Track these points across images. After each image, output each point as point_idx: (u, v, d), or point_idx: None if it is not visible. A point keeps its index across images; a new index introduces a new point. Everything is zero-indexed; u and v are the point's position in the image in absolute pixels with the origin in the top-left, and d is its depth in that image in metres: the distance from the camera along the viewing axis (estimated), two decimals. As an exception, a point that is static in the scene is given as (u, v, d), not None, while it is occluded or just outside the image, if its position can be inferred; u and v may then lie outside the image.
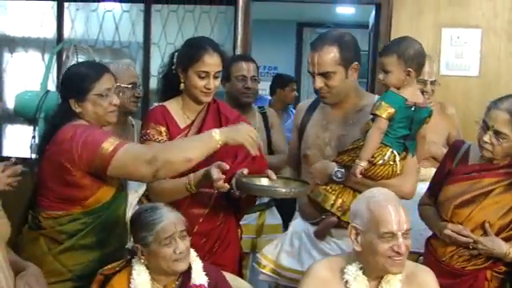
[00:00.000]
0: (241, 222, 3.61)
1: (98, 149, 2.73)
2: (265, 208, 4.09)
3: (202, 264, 2.77)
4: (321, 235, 3.19)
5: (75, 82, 2.93)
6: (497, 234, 2.93)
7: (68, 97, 2.93)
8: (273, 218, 4.25)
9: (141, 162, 2.72)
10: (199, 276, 2.73)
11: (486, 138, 2.93)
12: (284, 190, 3.00)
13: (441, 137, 3.31)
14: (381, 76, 3.04)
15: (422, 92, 3.94)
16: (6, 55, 5.25)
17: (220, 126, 3.17)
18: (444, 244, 3.03)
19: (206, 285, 2.73)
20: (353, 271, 2.63)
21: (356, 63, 3.12)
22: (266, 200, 3.89)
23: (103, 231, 2.94)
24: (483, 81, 4.96)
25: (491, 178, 2.99)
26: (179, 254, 2.63)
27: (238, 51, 5.27)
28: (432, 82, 4.03)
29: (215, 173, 2.89)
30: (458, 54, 5.13)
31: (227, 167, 2.93)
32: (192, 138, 3.02)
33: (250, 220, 3.98)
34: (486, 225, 2.94)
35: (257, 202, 3.72)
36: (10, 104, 4.92)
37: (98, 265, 2.87)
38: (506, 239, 2.91)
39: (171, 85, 3.23)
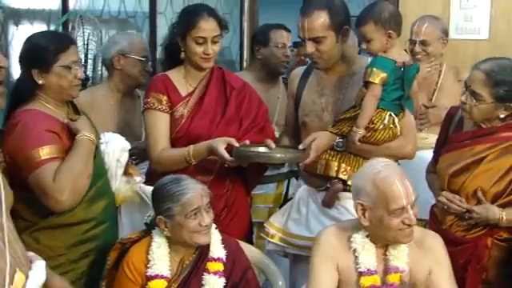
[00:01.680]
0: (259, 192, 3.74)
1: (30, 149, 2.68)
2: (283, 178, 4.10)
3: (221, 237, 2.81)
4: (329, 203, 3.23)
5: (40, 52, 2.81)
6: (492, 202, 2.94)
7: (31, 67, 2.80)
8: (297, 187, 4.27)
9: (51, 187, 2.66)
10: (217, 249, 2.77)
11: (463, 98, 2.96)
12: (279, 156, 3.09)
13: (455, 103, 3.33)
14: (364, 45, 3.09)
15: (412, 52, 4.02)
16: (12, 28, 5.24)
17: (224, 94, 3.26)
18: (444, 212, 3.05)
19: (224, 258, 2.76)
20: (359, 239, 2.67)
21: (346, 27, 3.14)
22: (285, 170, 3.91)
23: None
24: (493, 44, 4.98)
25: (483, 144, 2.99)
26: (204, 226, 2.67)
27: (246, 18, 5.28)
28: (422, 42, 4.05)
29: (222, 149, 2.98)
30: (467, 17, 5.16)
31: (236, 144, 3.00)
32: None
33: (268, 190, 4.02)
34: (479, 193, 2.95)
35: (276, 172, 3.81)
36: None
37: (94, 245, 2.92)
38: (504, 206, 2.92)
39: (173, 55, 3.28)
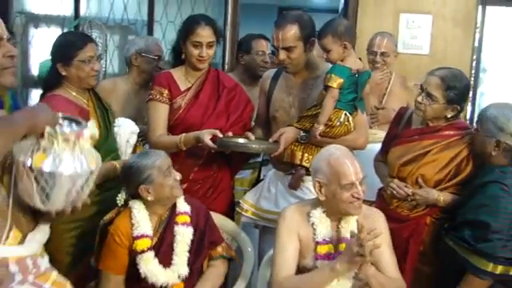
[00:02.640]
0: (237, 176, 3.69)
1: None
2: (259, 165, 4.03)
3: (184, 196, 2.82)
4: (295, 186, 3.23)
5: (63, 49, 2.93)
6: (435, 187, 2.96)
7: (56, 61, 2.92)
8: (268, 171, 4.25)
9: None
10: (183, 205, 2.80)
11: (419, 99, 2.96)
12: (255, 146, 3.09)
13: (400, 105, 3.39)
14: (324, 55, 3.08)
15: (374, 62, 4.02)
16: (32, 30, 5.21)
17: (217, 91, 3.26)
18: (391, 196, 3.06)
19: (189, 211, 2.79)
20: (317, 214, 2.68)
21: (313, 38, 3.13)
22: (260, 159, 3.90)
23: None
24: (433, 58, 5.00)
25: (429, 140, 3.00)
26: (178, 181, 2.74)
27: (228, 28, 5.25)
28: (382, 54, 4.07)
29: (207, 139, 2.97)
30: (412, 36, 5.17)
31: (220, 135, 3.00)
32: None
33: (245, 174, 3.99)
34: (419, 180, 2.97)
35: (252, 161, 3.77)
36: (35, 71, 4.92)
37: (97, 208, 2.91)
38: (444, 189, 2.95)
39: (178, 56, 3.28)
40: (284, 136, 3.09)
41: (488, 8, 5.42)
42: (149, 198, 2.69)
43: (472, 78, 5.36)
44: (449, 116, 2.97)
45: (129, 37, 5.67)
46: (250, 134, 3.12)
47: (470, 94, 5.37)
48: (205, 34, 3.14)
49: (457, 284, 2.79)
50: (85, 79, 2.92)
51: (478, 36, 5.39)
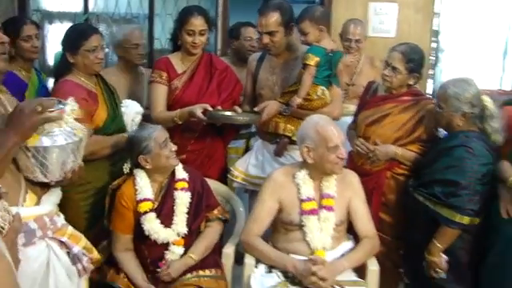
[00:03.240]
0: (233, 146, 3.72)
1: None
2: (251, 136, 4.01)
3: (182, 165, 2.84)
4: (279, 153, 3.25)
5: (71, 39, 2.91)
6: (393, 143, 3.00)
7: (66, 50, 2.91)
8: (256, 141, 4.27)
9: None
10: (180, 172, 2.81)
11: (386, 72, 3.01)
12: (240, 118, 3.10)
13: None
14: (302, 38, 3.10)
15: (349, 47, 4.02)
16: (47, 26, 5.17)
17: (210, 73, 3.27)
18: (358, 154, 3.10)
19: (187, 178, 2.80)
20: (301, 176, 2.71)
21: (292, 24, 3.13)
22: (253, 130, 3.96)
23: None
24: (398, 40, 4.75)
25: (390, 104, 3.05)
26: (173, 152, 2.75)
27: (220, 17, 5.26)
28: (357, 40, 4.06)
29: (198, 112, 2.99)
30: (380, 21, 5.18)
31: (210, 109, 3.01)
32: None
33: (238, 144, 3.98)
34: (377, 140, 3.03)
35: (245, 132, 3.80)
36: (51, 61, 4.92)
37: (109, 177, 2.95)
38: (401, 145, 2.99)
39: (175, 43, 3.29)
40: (267, 108, 3.11)
41: (446, -5, 5.47)
42: (147, 167, 2.71)
43: (432, 57, 5.41)
44: (411, 83, 3.02)
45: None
46: (236, 108, 3.12)
47: (430, 71, 5.45)
48: (197, 22, 3.14)
49: (414, 235, 2.87)
50: (90, 66, 2.90)
51: (436, 21, 5.41)
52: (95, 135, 2.89)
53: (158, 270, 2.68)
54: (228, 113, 3.12)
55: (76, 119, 2.54)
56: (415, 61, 2.97)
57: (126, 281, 2.70)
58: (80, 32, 2.94)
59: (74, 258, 2.20)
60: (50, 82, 4.36)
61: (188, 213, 2.74)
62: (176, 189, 2.76)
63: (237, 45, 4.29)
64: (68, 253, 2.20)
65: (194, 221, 2.77)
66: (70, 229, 2.26)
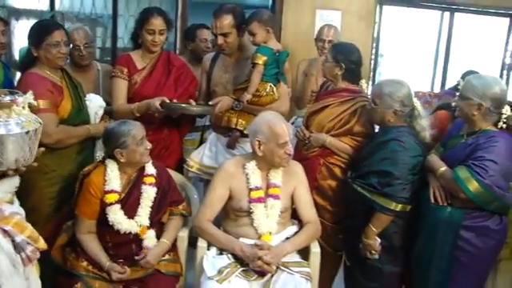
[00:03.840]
0: (189, 138, 3.69)
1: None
2: (205, 129, 3.98)
3: (152, 161, 2.79)
4: (231, 146, 3.24)
5: (35, 34, 2.82)
6: (327, 132, 3.01)
7: (30, 44, 2.82)
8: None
9: (46, 133, 2.51)
10: (150, 168, 2.76)
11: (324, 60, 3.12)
12: (194, 108, 3.07)
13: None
14: (251, 38, 3.10)
15: (322, 48, 4.02)
16: (14, 22, 4.99)
17: (168, 69, 3.22)
18: (300, 141, 3.11)
19: (155, 174, 2.76)
20: (250, 167, 2.71)
21: (244, 26, 3.12)
22: (207, 123, 3.91)
23: None
24: None
25: (331, 98, 3.07)
26: (147, 150, 2.69)
27: (179, 21, 5.18)
28: (329, 41, 4.03)
29: (156, 103, 2.95)
30: (325, 27, 5.19)
31: (167, 101, 2.98)
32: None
33: (194, 136, 3.95)
34: (312, 129, 3.05)
35: (201, 125, 3.75)
36: (16, 55, 4.73)
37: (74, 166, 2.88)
38: (334, 135, 3.01)
39: (136, 41, 3.22)
40: (221, 102, 3.09)
41: (385, 7, 5.52)
42: (121, 160, 2.65)
43: (372, 62, 5.47)
44: (338, 73, 3.02)
45: (96, 28, 5.50)
46: (191, 101, 3.09)
47: (371, 74, 5.52)
48: (157, 22, 3.09)
49: (353, 222, 2.89)
50: (52, 60, 2.80)
51: (376, 28, 5.49)
52: (62, 125, 2.82)
53: (136, 257, 2.64)
54: (183, 104, 3.08)
55: (39, 110, 2.48)
56: (342, 54, 3.00)
57: (84, 265, 2.64)
58: (44, 27, 2.85)
59: (18, 247, 2.09)
60: (17, 77, 4.18)
61: (152, 207, 2.70)
62: (144, 183, 2.71)
63: (193, 46, 4.24)
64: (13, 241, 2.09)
65: (157, 214, 2.74)
66: (17, 218, 2.14)
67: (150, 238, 2.69)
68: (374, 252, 2.78)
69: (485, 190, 2.44)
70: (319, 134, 3.02)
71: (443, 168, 2.58)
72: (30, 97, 2.09)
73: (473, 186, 2.44)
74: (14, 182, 2.17)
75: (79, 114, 2.92)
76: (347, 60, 3.00)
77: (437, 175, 2.61)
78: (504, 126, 2.55)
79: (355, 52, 3.05)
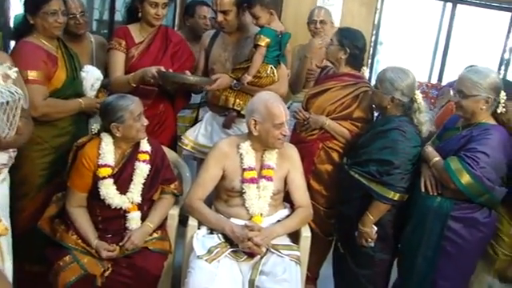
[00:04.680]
0: (180, 114, 3.63)
1: (22, 69, 2.52)
2: (198, 106, 3.99)
3: (147, 137, 2.76)
4: (227, 125, 3.23)
5: (31, 1, 2.76)
6: (328, 115, 3.02)
7: (26, 11, 2.77)
8: (205, 113, 4.22)
9: (32, 105, 2.54)
10: (145, 145, 2.74)
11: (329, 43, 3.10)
12: (191, 78, 3.02)
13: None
14: (254, 21, 3.09)
15: (315, 29, 3.98)
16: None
17: (165, 44, 3.20)
18: (299, 123, 3.12)
19: (149, 151, 2.74)
20: (245, 147, 2.70)
21: (245, 5, 3.10)
22: (198, 101, 3.86)
23: None
24: None
25: (332, 82, 3.07)
26: (144, 126, 2.67)
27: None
28: (321, 21, 4.00)
29: (153, 70, 2.92)
30: (327, 12, 5.16)
31: (163, 69, 2.95)
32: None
33: (187, 113, 3.95)
34: (311, 111, 3.05)
35: (192, 102, 3.71)
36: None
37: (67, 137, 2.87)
38: (333, 119, 3.01)
39: (133, 15, 3.17)
40: (220, 79, 3.08)
41: (387, -7, 5.50)
42: (117, 135, 2.63)
43: (371, 49, 5.44)
44: (343, 57, 3.02)
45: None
46: (187, 72, 3.06)
47: (369, 61, 5.49)
48: None
49: (346, 208, 2.90)
50: (49, 29, 2.76)
51: (377, 16, 5.45)
52: (51, 98, 2.78)
53: (121, 244, 2.62)
54: (180, 74, 3.05)
55: (27, 81, 2.52)
56: (347, 38, 3.00)
57: (74, 238, 2.62)
58: None
59: None
60: (12, 44, 4.10)
61: (144, 184, 2.69)
62: (138, 159, 2.69)
63: (191, 22, 4.19)
64: None
65: (148, 192, 2.73)
66: None
67: (133, 219, 2.67)
68: (369, 240, 2.79)
69: (475, 182, 2.44)
70: (319, 116, 3.02)
71: (436, 158, 2.58)
72: (4, 68, 2.05)
73: (463, 177, 2.44)
74: (1, 158, 2.15)
75: (72, 85, 2.88)
76: (352, 45, 3.00)
77: (430, 165, 2.61)
78: (504, 110, 2.53)
79: (361, 38, 3.05)
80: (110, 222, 2.67)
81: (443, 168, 2.51)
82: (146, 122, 2.67)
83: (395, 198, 2.69)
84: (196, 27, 4.14)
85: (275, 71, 3.11)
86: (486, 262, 2.72)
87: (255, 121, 2.63)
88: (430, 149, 2.68)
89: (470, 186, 2.45)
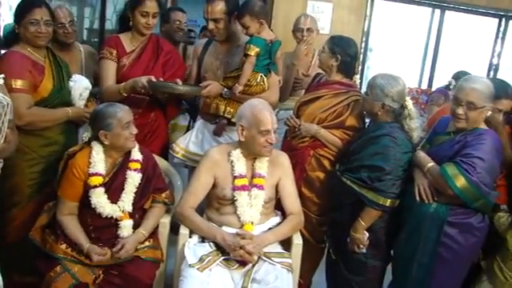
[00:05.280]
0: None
1: (7, 78, 2.51)
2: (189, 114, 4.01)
3: (138, 146, 2.76)
4: (218, 133, 3.22)
5: (16, 12, 2.78)
6: (319, 123, 3.01)
7: (14, 20, 2.79)
8: (184, 120, 4.18)
9: (17, 114, 2.54)
10: (136, 154, 2.74)
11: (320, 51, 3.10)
12: (181, 87, 3.00)
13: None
14: (244, 31, 3.09)
15: (301, 37, 3.98)
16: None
17: (156, 53, 3.20)
18: (290, 131, 3.11)
19: (141, 160, 2.74)
20: (235, 154, 2.70)
21: (235, 13, 3.12)
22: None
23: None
24: None
25: (323, 90, 3.07)
26: (133, 134, 2.66)
27: (169, 5, 5.13)
28: (308, 29, 3.99)
29: (143, 80, 2.92)
30: (317, 19, 5.11)
31: (153, 79, 2.95)
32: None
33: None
34: (302, 119, 3.04)
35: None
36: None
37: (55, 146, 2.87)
38: (325, 127, 3.00)
39: (124, 24, 3.18)
40: (210, 86, 3.08)
41: (376, 1, 5.54)
42: (106, 142, 2.62)
43: (361, 56, 5.48)
44: (334, 64, 3.02)
45: (84, 8, 5.41)
46: (177, 80, 3.04)
47: (359, 68, 5.52)
48: (151, 5, 3.06)
49: (338, 215, 2.90)
50: (31, 39, 2.76)
51: (367, 23, 5.50)
52: (36, 107, 2.78)
53: (114, 250, 2.60)
54: (169, 83, 3.04)
55: (12, 89, 2.53)
56: (339, 46, 3.00)
57: (63, 248, 2.61)
58: (25, 4, 2.80)
59: None
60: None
61: (136, 192, 2.68)
62: (129, 168, 2.69)
63: (167, 27, 4.23)
64: None
65: (140, 201, 2.72)
66: None
67: (125, 228, 2.66)
68: (361, 246, 2.79)
69: (472, 187, 2.44)
70: (310, 125, 3.01)
71: (431, 164, 2.58)
72: None
73: (460, 182, 2.44)
74: None
75: (60, 94, 2.88)
76: (344, 52, 3.00)
77: (424, 171, 2.61)
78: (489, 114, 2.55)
79: (352, 46, 3.06)
80: (102, 230, 2.65)
81: (439, 174, 2.50)
82: (135, 130, 2.66)
83: (386, 204, 2.69)
84: (171, 32, 4.18)
85: (265, 79, 3.12)
86: (495, 286, 2.69)
87: (242, 127, 2.63)
88: (422, 154, 2.67)
89: (466, 191, 2.45)
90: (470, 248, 2.59)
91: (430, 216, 2.58)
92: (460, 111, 2.54)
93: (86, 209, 2.64)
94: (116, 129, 2.61)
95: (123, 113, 2.63)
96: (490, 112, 2.55)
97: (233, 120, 3.07)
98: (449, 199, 2.53)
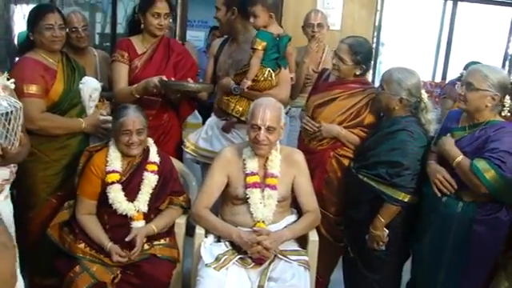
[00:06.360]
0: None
1: (20, 83, 2.52)
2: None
3: (157, 149, 2.81)
4: (226, 130, 3.23)
5: (30, 18, 2.81)
6: (337, 124, 2.96)
7: (28, 28, 2.82)
8: (194, 118, 4.21)
9: (29, 119, 2.57)
10: (154, 156, 2.79)
11: (334, 61, 2.98)
12: (191, 85, 3.02)
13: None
14: (251, 20, 3.08)
15: (312, 33, 3.93)
16: (12, 6, 4.94)
17: (167, 54, 3.22)
18: (306, 133, 3.07)
19: (158, 162, 2.78)
20: (248, 152, 2.70)
21: (235, 8, 3.13)
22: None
23: None
24: (342, 33, 4.91)
25: (337, 90, 3.02)
26: (131, 143, 2.68)
27: (179, 7, 5.12)
28: (318, 25, 3.94)
29: (155, 79, 2.95)
30: (327, 14, 5.09)
31: (165, 78, 2.97)
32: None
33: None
34: (321, 122, 2.99)
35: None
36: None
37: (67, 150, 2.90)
38: (344, 128, 2.95)
39: (134, 27, 3.20)
40: (221, 81, 3.18)
41: (387, -5, 5.50)
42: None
43: (373, 50, 5.43)
44: (358, 73, 2.99)
45: (96, 14, 5.45)
46: (189, 79, 3.07)
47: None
48: (162, 6, 3.08)
49: (356, 213, 2.88)
50: (46, 43, 2.79)
51: (378, 17, 5.44)
52: (49, 113, 2.81)
53: (127, 239, 2.62)
54: (181, 81, 3.06)
55: (23, 94, 2.58)
56: (361, 54, 2.93)
57: (82, 247, 2.65)
58: (38, 10, 2.84)
59: None
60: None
61: (152, 194, 2.73)
62: (146, 169, 2.74)
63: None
64: None
65: (155, 202, 2.76)
66: None
67: (137, 228, 2.69)
68: (381, 243, 2.77)
69: (504, 181, 2.38)
70: (331, 126, 2.97)
71: (460, 157, 2.49)
72: (2, 80, 2.09)
73: (492, 177, 2.38)
74: (2, 173, 2.16)
75: (68, 96, 2.89)
76: (367, 59, 2.97)
77: (453, 164, 2.51)
78: (508, 114, 2.50)
79: (370, 48, 3.04)
80: (117, 230, 2.68)
81: (470, 169, 2.42)
82: (135, 140, 2.68)
83: (406, 200, 2.66)
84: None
85: (273, 74, 3.09)
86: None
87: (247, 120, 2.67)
88: (450, 142, 2.56)
89: (498, 185, 2.39)
90: (497, 242, 2.53)
91: (458, 216, 2.52)
92: (460, 91, 2.53)
93: (103, 207, 2.69)
94: (116, 133, 2.69)
95: (127, 119, 2.67)
96: (508, 111, 2.48)
97: (242, 118, 3.09)
98: (474, 197, 2.48)
